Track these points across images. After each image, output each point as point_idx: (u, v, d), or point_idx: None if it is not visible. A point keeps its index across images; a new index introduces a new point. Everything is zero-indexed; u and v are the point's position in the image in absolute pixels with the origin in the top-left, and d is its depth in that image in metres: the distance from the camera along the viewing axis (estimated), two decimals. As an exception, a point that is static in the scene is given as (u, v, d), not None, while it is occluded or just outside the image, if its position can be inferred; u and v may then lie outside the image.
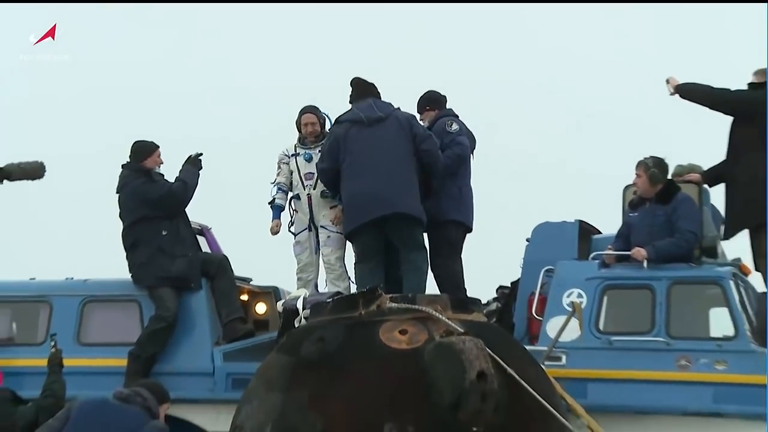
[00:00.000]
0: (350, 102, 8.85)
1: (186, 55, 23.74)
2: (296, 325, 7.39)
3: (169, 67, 23.12)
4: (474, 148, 9.26)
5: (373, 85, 8.88)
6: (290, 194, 9.47)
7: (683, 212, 8.16)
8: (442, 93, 9.43)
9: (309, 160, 9.27)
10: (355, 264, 8.61)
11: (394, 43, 22.80)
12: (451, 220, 8.76)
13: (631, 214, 8.53)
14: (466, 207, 8.92)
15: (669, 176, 8.55)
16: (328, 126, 9.41)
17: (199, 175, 9.14)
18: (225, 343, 8.61)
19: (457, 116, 9.15)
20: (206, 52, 23.83)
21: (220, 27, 23.68)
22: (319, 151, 9.24)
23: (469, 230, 8.95)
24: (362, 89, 8.85)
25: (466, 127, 9.14)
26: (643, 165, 8.39)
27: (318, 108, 9.48)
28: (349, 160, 8.49)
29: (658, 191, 8.32)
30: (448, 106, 9.31)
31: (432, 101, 9.31)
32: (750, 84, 8.20)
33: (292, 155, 9.38)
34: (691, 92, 8.29)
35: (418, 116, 9.08)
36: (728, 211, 8.19)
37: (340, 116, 8.76)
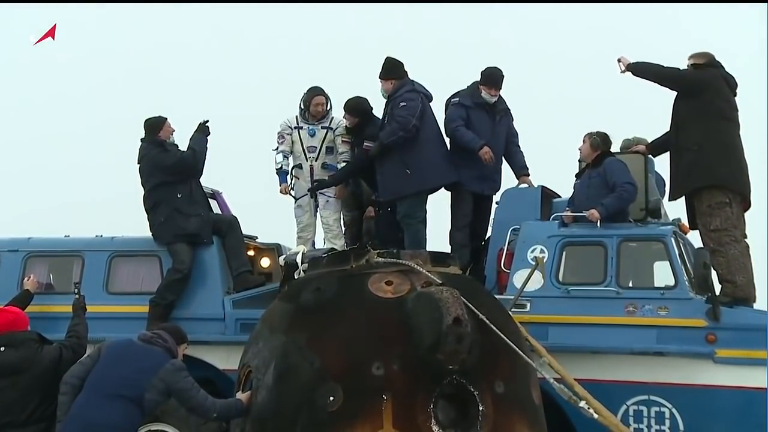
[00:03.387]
0: (385, 77, 8.75)
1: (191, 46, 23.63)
2: (296, 277, 7.37)
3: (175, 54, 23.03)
4: None
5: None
6: (291, 163, 9.40)
7: (613, 170, 8.14)
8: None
9: (312, 135, 9.29)
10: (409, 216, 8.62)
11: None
12: None
13: (576, 183, 8.59)
14: None
15: (617, 149, 8.73)
16: (327, 106, 9.35)
17: (207, 140, 8.99)
18: (235, 292, 8.57)
19: None
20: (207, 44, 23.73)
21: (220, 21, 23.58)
22: (323, 126, 9.23)
23: None
24: (401, 68, 8.78)
25: None
26: (588, 135, 8.48)
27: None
28: (434, 128, 8.63)
29: (594, 158, 8.36)
30: None
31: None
32: (693, 65, 8.10)
33: (295, 127, 9.31)
34: (642, 70, 8.16)
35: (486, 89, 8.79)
36: (673, 175, 8.09)
37: (414, 86, 8.64)
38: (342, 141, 9.27)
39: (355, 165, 9.15)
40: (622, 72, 8.25)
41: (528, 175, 8.94)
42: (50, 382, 6.38)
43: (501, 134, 8.88)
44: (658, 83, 8.09)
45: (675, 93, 8.08)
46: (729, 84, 7.99)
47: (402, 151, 8.47)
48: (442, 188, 8.86)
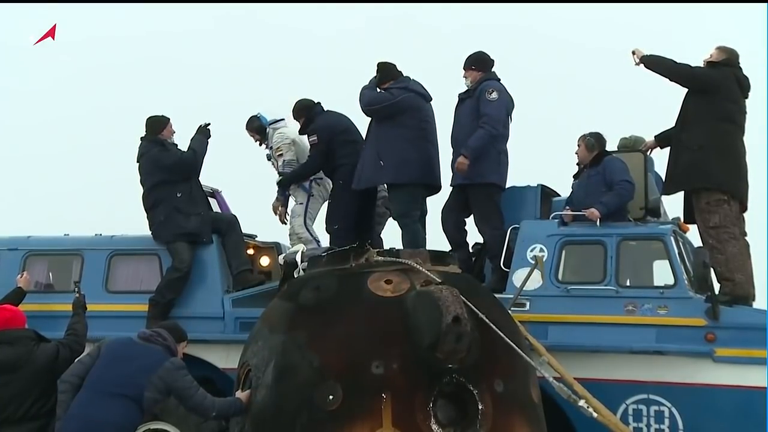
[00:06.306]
0: (382, 82, 8.65)
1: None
2: (295, 276, 7.37)
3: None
4: (512, 110, 8.63)
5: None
6: None
7: (612, 168, 8.15)
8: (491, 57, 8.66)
9: (269, 158, 9.70)
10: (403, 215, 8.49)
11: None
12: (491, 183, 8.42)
13: (574, 183, 8.61)
14: (504, 169, 8.51)
15: (614, 148, 8.72)
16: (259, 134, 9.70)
17: (207, 142, 9.05)
18: (235, 290, 8.58)
19: (500, 80, 8.53)
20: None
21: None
22: (268, 147, 9.66)
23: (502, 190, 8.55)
24: (395, 70, 8.73)
25: (506, 91, 8.48)
26: (582, 137, 8.49)
27: (252, 119, 9.67)
28: (422, 125, 8.46)
29: (592, 158, 8.37)
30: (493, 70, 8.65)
31: (479, 62, 8.56)
32: (709, 63, 8.03)
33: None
34: (655, 63, 8.06)
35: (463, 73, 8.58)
36: (670, 170, 8.04)
37: (406, 84, 8.55)
38: (277, 155, 9.47)
39: (310, 161, 9.22)
40: (636, 64, 8.14)
41: (464, 156, 8.13)
42: (47, 380, 6.38)
43: (461, 121, 8.50)
44: (668, 78, 8.00)
45: (685, 89, 8.02)
46: (741, 86, 7.91)
47: (378, 143, 8.41)
48: (440, 190, 8.77)
